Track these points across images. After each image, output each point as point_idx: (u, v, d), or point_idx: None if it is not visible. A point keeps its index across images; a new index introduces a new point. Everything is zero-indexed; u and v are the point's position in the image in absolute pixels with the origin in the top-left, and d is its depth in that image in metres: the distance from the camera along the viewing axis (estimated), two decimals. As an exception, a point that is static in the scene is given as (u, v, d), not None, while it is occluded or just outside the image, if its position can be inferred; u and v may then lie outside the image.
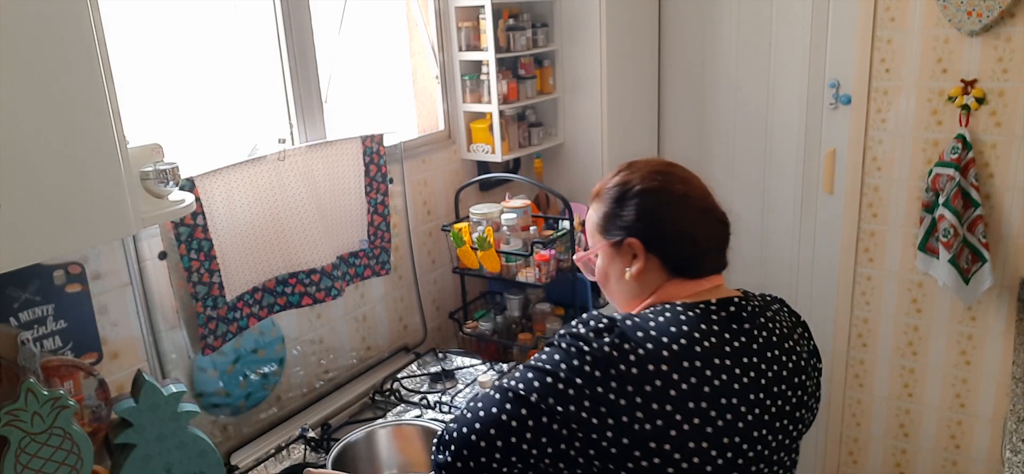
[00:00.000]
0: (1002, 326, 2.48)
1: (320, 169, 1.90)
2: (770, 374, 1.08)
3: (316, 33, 1.98)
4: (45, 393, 1.26)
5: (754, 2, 2.68)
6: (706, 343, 1.03)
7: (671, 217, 1.12)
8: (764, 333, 1.10)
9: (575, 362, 0.99)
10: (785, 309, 1.20)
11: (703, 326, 1.04)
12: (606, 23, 2.49)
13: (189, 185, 1.59)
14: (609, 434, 0.97)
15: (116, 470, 1.44)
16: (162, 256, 1.63)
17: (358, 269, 2.07)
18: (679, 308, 1.07)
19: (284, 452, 1.79)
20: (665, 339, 1.01)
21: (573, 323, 1.05)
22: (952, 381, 2.62)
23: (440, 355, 2.23)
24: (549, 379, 0.99)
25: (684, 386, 0.99)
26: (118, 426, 1.44)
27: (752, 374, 1.06)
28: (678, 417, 0.98)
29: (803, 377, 1.14)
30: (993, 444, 2.59)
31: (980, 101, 2.34)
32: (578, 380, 0.98)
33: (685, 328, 1.03)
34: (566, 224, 2.28)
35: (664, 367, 0.99)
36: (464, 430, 1.04)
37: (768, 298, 1.19)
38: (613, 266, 1.17)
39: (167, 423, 1.46)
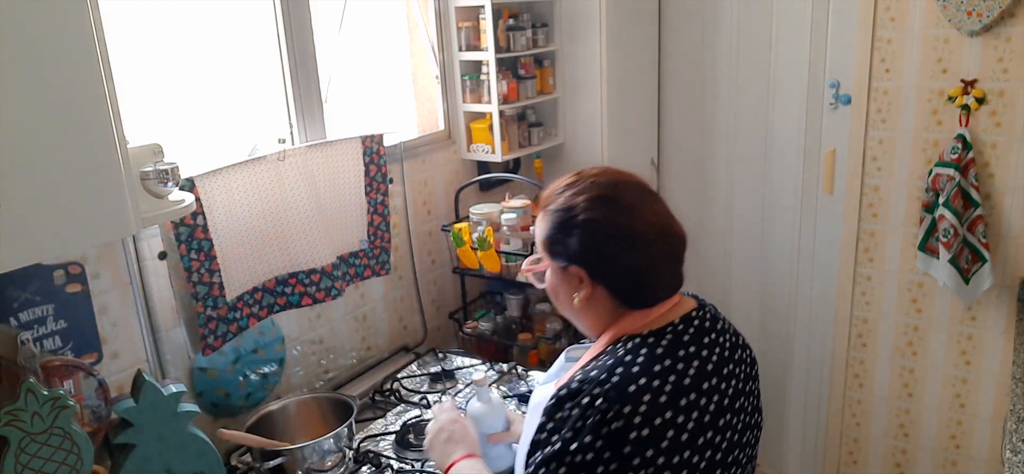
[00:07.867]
0: (1002, 326, 2.48)
1: (320, 169, 1.90)
2: (741, 374, 1.07)
3: (316, 33, 1.98)
4: (45, 393, 1.26)
5: (754, 2, 2.68)
6: (692, 370, 0.99)
7: (614, 252, 1.04)
8: (728, 336, 1.08)
9: (602, 453, 0.94)
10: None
11: (681, 352, 1.00)
12: (606, 23, 2.48)
13: (189, 185, 1.59)
14: None
15: (116, 470, 1.44)
16: (162, 256, 1.63)
17: (358, 269, 2.06)
18: (651, 340, 1.01)
19: (284, 452, 1.79)
20: (656, 382, 0.96)
21: (566, 404, 0.98)
22: (952, 381, 2.62)
23: (440, 355, 2.23)
24: None
25: (690, 424, 0.96)
26: (118, 426, 1.44)
27: (734, 382, 1.04)
28: (696, 459, 0.96)
29: (756, 366, 1.13)
30: (993, 444, 2.59)
31: (980, 101, 2.33)
32: (613, 467, 0.94)
33: (668, 362, 0.99)
34: (566, 224, 2.28)
35: (668, 414, 0.95)
36: None
37: (696, 297, 1.15)
38: (561, 287, 1.11)
39: (167, 423, 1.46)
